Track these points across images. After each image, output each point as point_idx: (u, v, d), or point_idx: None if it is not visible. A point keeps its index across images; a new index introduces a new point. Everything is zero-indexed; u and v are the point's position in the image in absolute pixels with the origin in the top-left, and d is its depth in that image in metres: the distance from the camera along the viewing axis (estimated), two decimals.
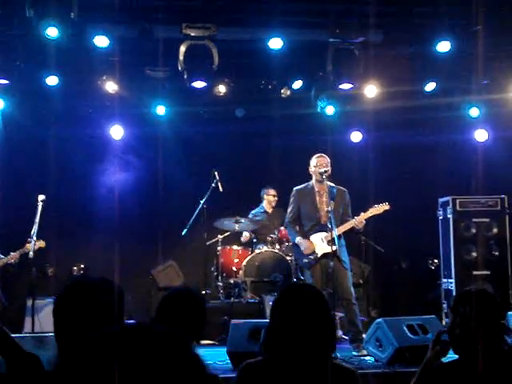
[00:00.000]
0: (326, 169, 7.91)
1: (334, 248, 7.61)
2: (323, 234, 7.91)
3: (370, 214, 8.05)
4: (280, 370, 2.74)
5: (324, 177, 7.90)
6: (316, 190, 8.09)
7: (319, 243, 7.95)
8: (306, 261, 7.97)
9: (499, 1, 8.54)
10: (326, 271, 7.86)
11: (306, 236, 8.05)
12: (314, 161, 8.08)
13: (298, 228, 8.23)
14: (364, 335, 7.59)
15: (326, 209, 7.91)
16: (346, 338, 8.05)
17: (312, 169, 8.10)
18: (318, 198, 8.07)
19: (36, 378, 2.45)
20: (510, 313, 6.63)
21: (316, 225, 8.05)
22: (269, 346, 2.82)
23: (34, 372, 2.48)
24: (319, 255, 7.91)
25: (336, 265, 7.69)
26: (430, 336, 6.54)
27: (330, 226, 7.65)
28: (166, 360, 1.14)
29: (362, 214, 8.02)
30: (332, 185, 8.02)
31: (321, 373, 2.74)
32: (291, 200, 8.25)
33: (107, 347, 1.16)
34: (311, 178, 8.18)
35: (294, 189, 8.26)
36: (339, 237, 7.75)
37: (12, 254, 8.79)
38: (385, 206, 8.16)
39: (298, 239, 8.02)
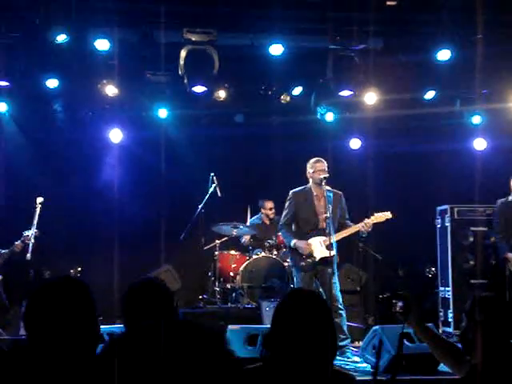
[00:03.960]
0: (326, 175, 7.87)
1: (333, 253, 7.62)
2: (322, 238, 7.86)
3: (375, 220, 8.00)
4: (280, 376, 2.73)
5: (323, 182, 7.88)
6: (314, 194, 8.06)
7: (318, 247, 7.89)
8: (304, 264, 7.93)
9: (500, 10, 8.56)
10: (315, 276, 7.93)
11: (304, 239, 8.01)
12: (312, 165, 8.04)
13: (294, 230, 8.19)
14: (348, 341, 7.75)
15: (324, 213, 7.87)
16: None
17: (311, 173, 8.07)
18: (316, 202, 8.03)
19: None
20: None
21: (314, 229, 8.01)
22: (270, 352, 2.81)
23: None
24: (317, 259, 7.90)
25: (329, 270, 7.68)
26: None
27: (328, 230, 7.64)
28: (204, 353, 1.19)
29: (367, 219, 7.96)
30: (328, 188, 7.96)
31: (321, 379, 2.74)
32: (287, 203, 8.18)
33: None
34: (308, 182, 8.18)
35: (291, 192, 8.20)
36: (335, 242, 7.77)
37: (16, 243, 8.75)
38: (387, 215, 8.12)
39: (295, 242, 7.96)
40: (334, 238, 7.69)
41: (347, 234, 8.00)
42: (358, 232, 8.06)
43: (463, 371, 3.34)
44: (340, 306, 7.71)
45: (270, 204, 10.67)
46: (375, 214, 8.05)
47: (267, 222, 10.72)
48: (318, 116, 10.48)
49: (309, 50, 9.51)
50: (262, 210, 10.75)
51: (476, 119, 10.66)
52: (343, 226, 8.01)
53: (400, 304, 3.62)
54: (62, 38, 8.08)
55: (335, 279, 7.80)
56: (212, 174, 10.09)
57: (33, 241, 8.39)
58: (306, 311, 2.79)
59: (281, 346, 2.76)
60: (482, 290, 9.24)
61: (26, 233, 8.57)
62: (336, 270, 7.89)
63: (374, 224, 8.01)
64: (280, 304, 2.94)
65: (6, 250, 8.80)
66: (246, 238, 10.54)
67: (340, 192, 8.15)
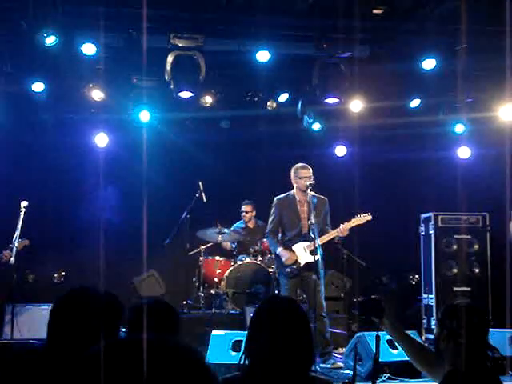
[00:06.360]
0: (311, 182, 7.90)
1: (317, 257, 7.61)
2: (305, 244, 7.90)
3: (353, 224, 8.05)
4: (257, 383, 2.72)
5: (309, 189, 7.89)
6: (298, 199, 8.09)
7: (302, 253, 7.93)
8: (289, 270, 7.94)
9: (484, 20, 8.63)
10: (301, 282, 7.94)
11: (288, 246, 8.04)
12: (298, 171, 8.06)
13: (279, 237, 8.23)
14: (331, 347, 7.84)
15: (307, 218, 7.89)
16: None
17: (295, 179, 8.09)
18: (299, 208, 8.06)
19: None
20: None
21: (298, 235, 8.05)
22: (247, 359, 2.79)
23: None
24: (302, 265, 7.91)
25: (314, 276, 7.66)
26: None
27: (312, 235, 7.64)
28: (180, 372, 1.16)
29: (346, 223, 8.01)
30: (313, 194, 7.98)
31: None
32: (272, 210, 8.23)
33: (114, 358, 1.17)
34: (292, 188, 8.19)
35: (275, 198, 8.24)
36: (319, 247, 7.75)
37: (4, 252, 8.64)
38: (367, 217, 8.17)
39: (280, 250, 8.00)
40: (318, 242, 7.68)
41: (325, 240, 8.00)
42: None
43: (438, 376, 3.34)
44: (323, 314, 7.72)
45: (245, 207, 10.72)
46: (355, 217, 8.10)
47: (251, 226, 10.74)
48: (305, 125, 10.53)
49: (295, 57, 9.54)
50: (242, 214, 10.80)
51: (459, 128, 10.72)
52: (322, 232, 8.01)
53: (374, 307, 3.65)
54: (51, 40, 8.03)
55: (321, 286, 7.79)
56: (198, 180, 10.11)
57: (17, 245, 8.33)
58: (281, 318, 2.75)
59: (256, 353, 2.74)
60: (465, 297, 9.30)
61: (16, 243, 8.44)
62: (322, 277, 7.89)
63: (356, 226, 8.07)
64: (256, 311, 2.91)
65: None
66: (226, 244, 10.55)
67: (325, 198, 8.19)
